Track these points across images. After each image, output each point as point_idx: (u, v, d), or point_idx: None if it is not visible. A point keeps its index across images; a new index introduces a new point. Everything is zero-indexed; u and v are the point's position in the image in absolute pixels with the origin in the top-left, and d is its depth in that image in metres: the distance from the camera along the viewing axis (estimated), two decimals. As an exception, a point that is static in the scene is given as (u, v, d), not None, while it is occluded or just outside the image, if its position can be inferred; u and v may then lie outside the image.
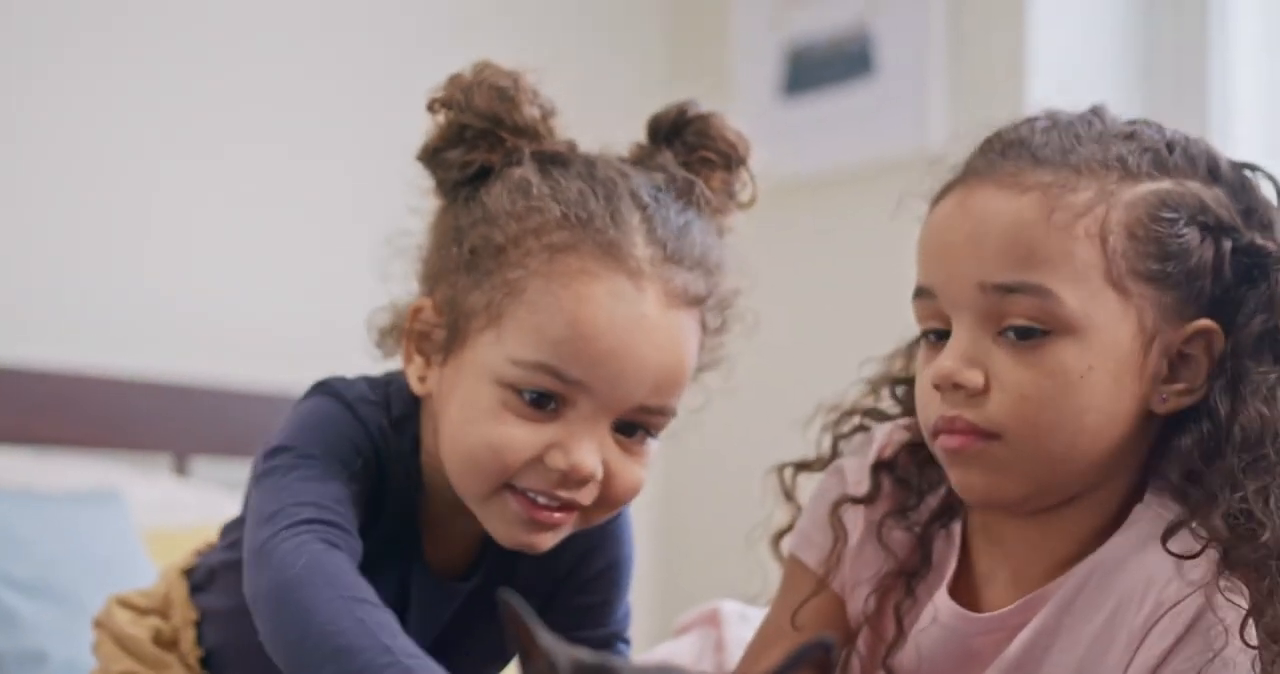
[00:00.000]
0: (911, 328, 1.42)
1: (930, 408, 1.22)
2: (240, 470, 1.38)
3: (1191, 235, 1.19)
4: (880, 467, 1.33)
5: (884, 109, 2.94)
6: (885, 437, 1.35)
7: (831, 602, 1.34)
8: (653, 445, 1.32)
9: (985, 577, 1.28)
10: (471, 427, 1.26)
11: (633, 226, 1.27)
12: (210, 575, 1.42)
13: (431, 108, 1.34)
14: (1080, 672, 1.19)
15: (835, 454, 1.39)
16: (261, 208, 2.73)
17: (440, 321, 1.31)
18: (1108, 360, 1.17)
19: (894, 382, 1.39)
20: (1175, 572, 1.17)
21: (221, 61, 2.70)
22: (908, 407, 1.38)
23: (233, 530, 1.39)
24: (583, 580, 1.40)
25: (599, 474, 1.26)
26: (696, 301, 1.29)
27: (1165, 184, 1.20)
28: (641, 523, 1.47)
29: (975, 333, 1.19)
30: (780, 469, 1.40)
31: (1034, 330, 1.17)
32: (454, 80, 1.33)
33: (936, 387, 1.20)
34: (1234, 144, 2.51)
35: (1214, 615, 1.15)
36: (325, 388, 1.34)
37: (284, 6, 2.80)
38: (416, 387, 1.33)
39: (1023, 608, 1.23)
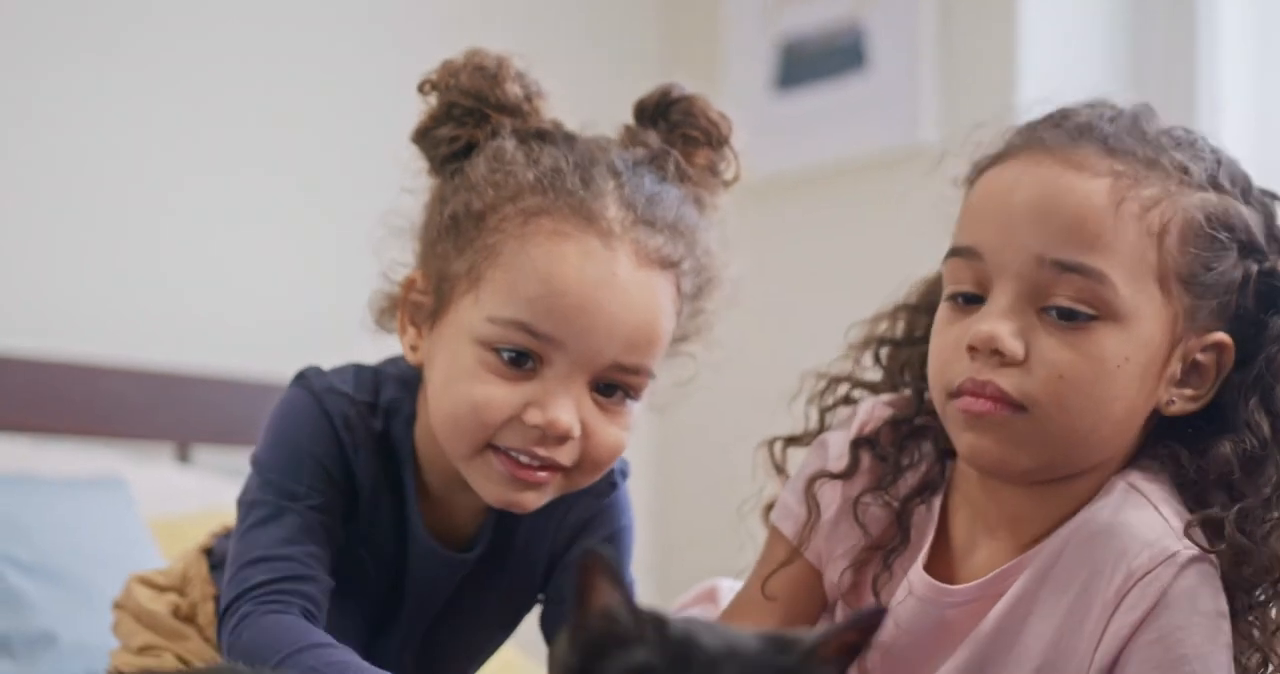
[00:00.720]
0: (894, 296, 1.44)
1: (955, 368, 1.24)
2: (241, 458, 1.41)
3: (1231, 251, 1.23)
4: (859, 442, 1.35)
5: (876, 103, 2.96)
6: (867, 413, 1.37)
7: (806, 572, 1.36)
8: (634, 408, 1.35)
9: (963, 550, 1.31)
10: (453, 386, 1.31)
11: (605, 191, 1.31)
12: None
13: (422, 89, 1.39)
14: (1056, 642, 1.22)
15: (823, 427, 1.42)
16: (259, 205, 2.76)
17: (429, 290, 1.36)
18: (1141, 354, 1.21)
19: (879, 342, 1.42)
20: (1147, 542, 1.20)
21: (226, 69, 2.72)
22: (890, 369, 1.41)
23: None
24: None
25: (576, 431, 1.30)
26: (669, 264, 1.33)
27: (1214, 197, 1.24)
28: (637, 503, 1.50)
29: (1019, 303, 1.21)
30: (770, 443, 1.43)
31: (1078, 313, 1.20)
32: (445, 64, 1.38)
33: (972, 348, 1.22)
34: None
35: (1183, 587, 1.18)
36: (300, 379, 1.40)
37: (284, 17, 2.83)
38: (410, 356, 1.38)
39: (998, 579, 1.26)
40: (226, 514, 1.43)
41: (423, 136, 1.39)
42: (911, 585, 1.29)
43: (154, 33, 2.66)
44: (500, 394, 1.29)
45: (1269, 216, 1.28)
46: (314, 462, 1.35)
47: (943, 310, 1.28)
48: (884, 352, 1.42)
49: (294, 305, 2.72)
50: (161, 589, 1.49)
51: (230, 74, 2.73)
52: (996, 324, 1.21)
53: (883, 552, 1.32)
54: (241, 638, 1.27)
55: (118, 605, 1.51)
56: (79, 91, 2.57)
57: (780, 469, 1.42)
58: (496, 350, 1.29)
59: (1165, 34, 2.78)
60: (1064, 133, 1.25)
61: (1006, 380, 1.20)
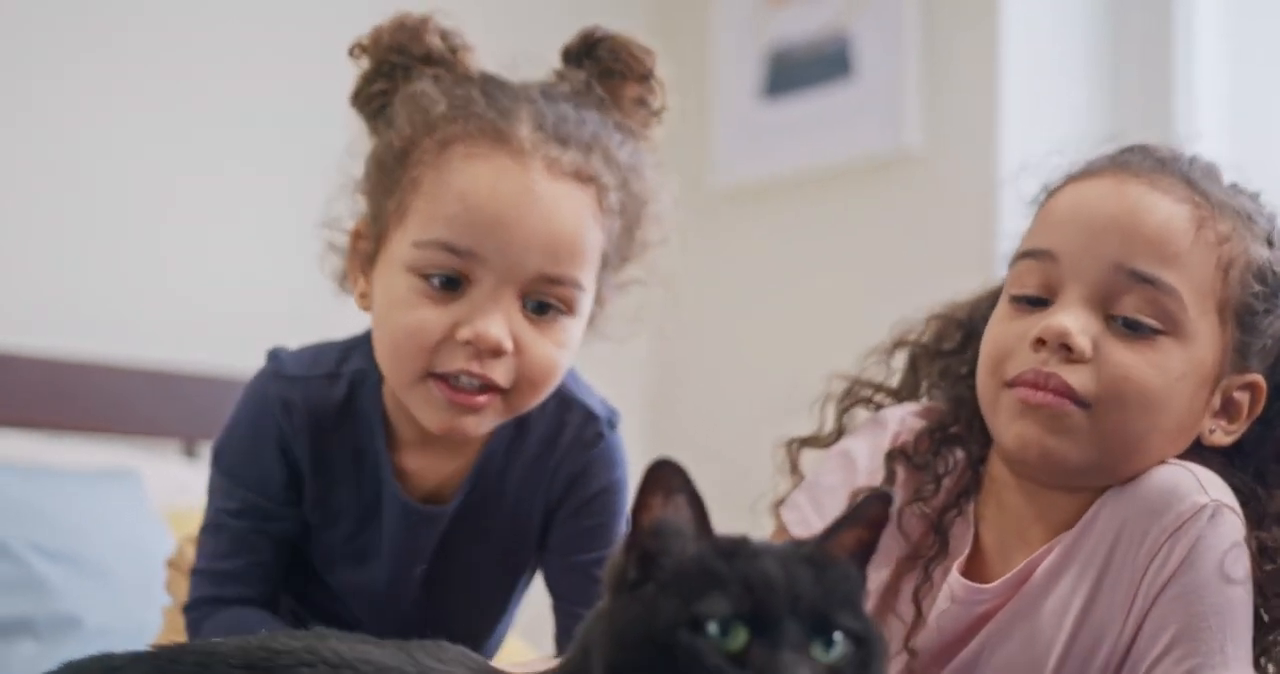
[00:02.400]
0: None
1: (1015, 359, 1.27)
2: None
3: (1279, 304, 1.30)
4: (894, 454, 1.38)
5: (861, 110, 3.01)
6: (898, 423, 1.40)
7: None
8: (570, 325, 1.38)
9: (995, 551, 1.34)
10: (389, 316, 1.36)
11: (518, 115, 1.36)
12: None
13: (352, 53, 1.45)
14: (1088, 611, 1.25)
15: (840, 428, 1.45)
16: (263, 207, 2.80)
17: (370, 236, 1.41)
18: (1195, 373, 1.27)
19: (914, 348, 1.45)
20: (1178, 496, 1.23)
21: (227, 75, 2.79)
22: (925, 375, 1.44)
23: None
24: (578, 505, 1.45)
25: (507, 345, 1.34)
26: (585, 178, 1.37)
27: (1270, 252, 1.30)
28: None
29: (1089, 307, 1.26)
30: (789, 444, 1.46)
31: (1144, 325, 1.25)
32: (373, 28, 1.45)
33: (1040, 340, 1.25)
34: (1198, 143, 2.57)
35: (1209, 543, 1.21)
36: (268, 360, 1.48)
37: (284, 17, 2.88)
38: (360, 304, 1.43)
39: (1029, 566, 1.29)
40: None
41: (357, 98, 1.45)
42: (951, 591, 1.32)
43: (154, 32, 2.73)
44: (432, 317, 1.34)
45: None
46: (248, 458, 1.43)
47: (1004, 309, 1.32)
48: (916, 357, 1.45)
49: (297, 306, 2.77)
50: None
51: (236, 88, 2.79)
52: (1068, 320, 1.25)
53: (923, 560, 1.34)
54: (201, 634, 1.40)
55: (170, 564, 1.58)
56: (88, 93, 2.63)
57: (795, 468, 1.45)
58: (426, 277, 1.34)
59: (1143, 41, 2.83)
60: (1150, 160, 1.31)
61: (1072, 376, 1.24)
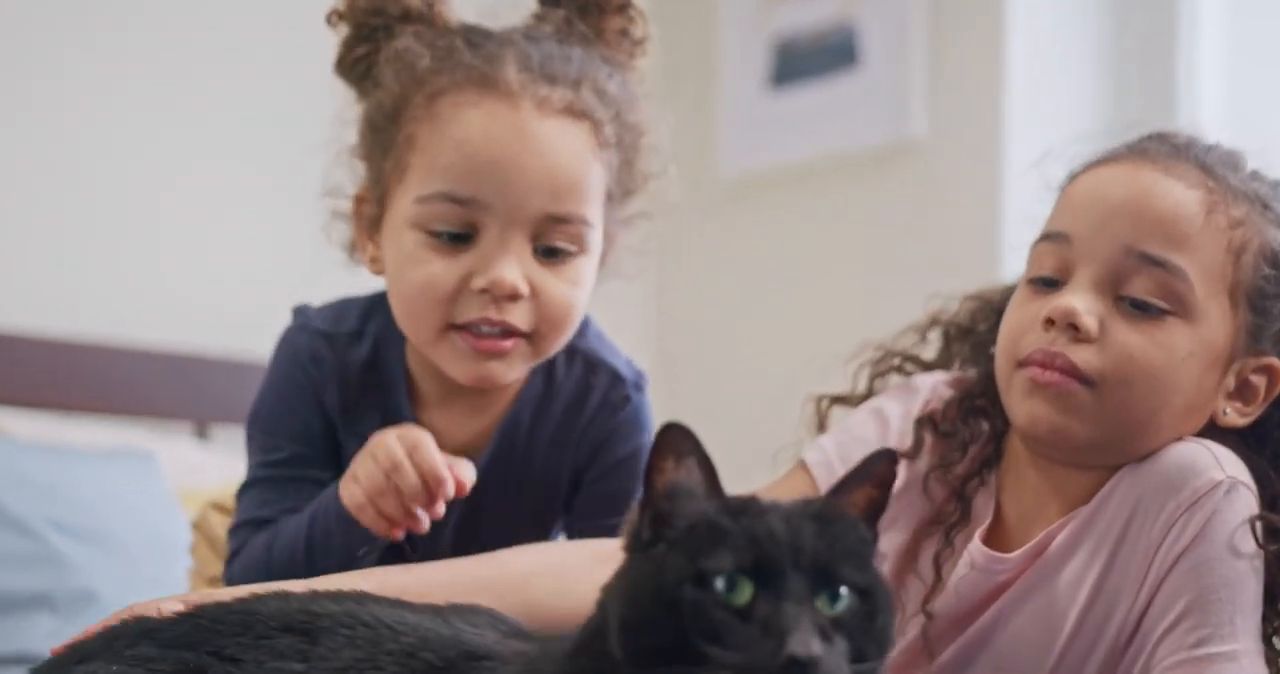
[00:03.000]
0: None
1: (1027, 339, 1.31)
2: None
3: None
4: (923, 421, 1.41)
5: (867, 100, 3.03)
6: (930, 391, 1.43)
7: None
8: (583, 264, 1.39)
9: (1016, 521, 1.36)
10: (402, 274, 1.38)
11: (502, 58, 1.38)
12: None
13: (330, 20, 1.46)
14: (1101, 584, 1.27)
15: (871, 393, 1.48)
16: (272, 194, 2.82)
17: (372, 199, 1.43)
18: (1204, 354, 1.29)
19: (949, 325, 1.48)
20: (1195, 472, 1.25)
21: (227, 68, 2.82)
22: (959, 350, 1.47)
23: None
24: (604, 469, 1.47)
25: (522, 288, 1.35)
26: (578, 113, 1.38)
27: None
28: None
29: (1099, 288, 1.29)
30: (818, 399, 1.49)
31: (1152, 306, 1.28)
32: None
33: (1050, 320, 1.29)
34: (1199, 130, 2.58)
35: (1224, 518, 1.23)
36: (294, 316, 1.49)
37: (281, 19, 2.91)
38: (372, 269, 1.45)
39: (1046, 538, 1.31)
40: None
41: (341, 65, 1.45)
42: (972, 558, 1.34)
43: (154, 32, 2.76)
44: (442, 269, 1.35)
45: None
46: (286, 410, 1.44)
47: (1021, 291, 1.35)
48: (950, 335, 1.48)
49: (307, 289, 2.80)
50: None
51: (238, 80, 2.82)
52: (1076, 301, 1.28)
53: (944, 526, 1.37)
54: (237, 565, 1.41)
55: (196, 526, 1.60)
56: (99, 98, 2.66)
57: (823, 425, 1.48)
58: (433, 233, 1.35)
59: (1147, 33, 2.85)
60: (1166, 147, 1.34)
61: (1078, 355, 1.27)
